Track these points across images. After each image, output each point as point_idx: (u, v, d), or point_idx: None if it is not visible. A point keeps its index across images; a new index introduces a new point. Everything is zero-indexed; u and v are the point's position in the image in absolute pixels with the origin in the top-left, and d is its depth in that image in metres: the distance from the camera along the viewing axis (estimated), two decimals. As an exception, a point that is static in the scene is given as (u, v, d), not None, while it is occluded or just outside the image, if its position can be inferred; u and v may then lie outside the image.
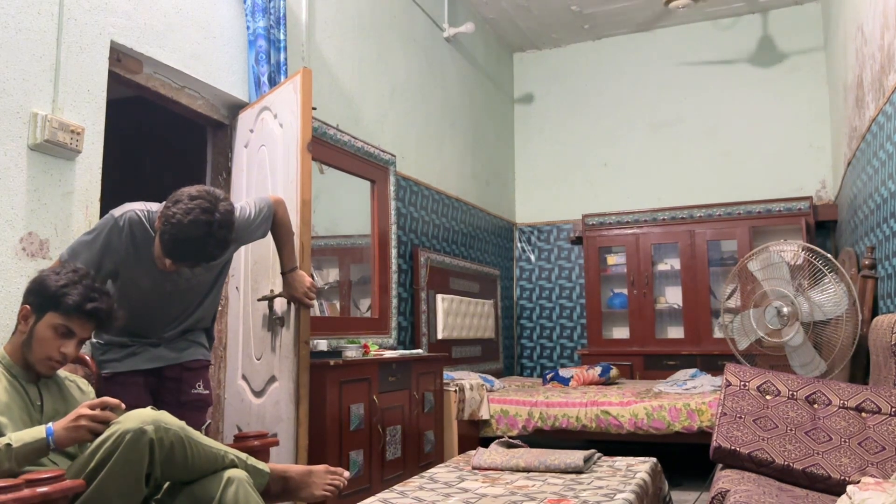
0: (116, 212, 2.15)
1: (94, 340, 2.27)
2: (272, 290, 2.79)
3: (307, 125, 2.78)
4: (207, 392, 2.36)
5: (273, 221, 2.47)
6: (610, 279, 6.14)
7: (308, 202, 2.75)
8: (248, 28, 3.25)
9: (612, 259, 6.11)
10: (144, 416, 1.63)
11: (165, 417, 1.67)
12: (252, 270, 3.00)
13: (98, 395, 2.14)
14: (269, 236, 2.55)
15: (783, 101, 5.85)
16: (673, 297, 5.91)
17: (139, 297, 2.21)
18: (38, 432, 1.59)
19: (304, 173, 2.74)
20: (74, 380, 1.96)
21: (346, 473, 2.05)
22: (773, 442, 2.26)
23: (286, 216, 2.53)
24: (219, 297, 2.46)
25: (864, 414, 2.34)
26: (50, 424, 1.61)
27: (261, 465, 1.87)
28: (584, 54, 6.62)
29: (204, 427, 2.38)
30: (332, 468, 2.03)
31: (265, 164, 3.00)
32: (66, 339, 1.77)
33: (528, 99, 6.83)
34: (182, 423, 1.70)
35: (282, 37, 3.31)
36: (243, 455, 1.84)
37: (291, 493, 1.95)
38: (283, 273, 2.59)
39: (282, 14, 3.32)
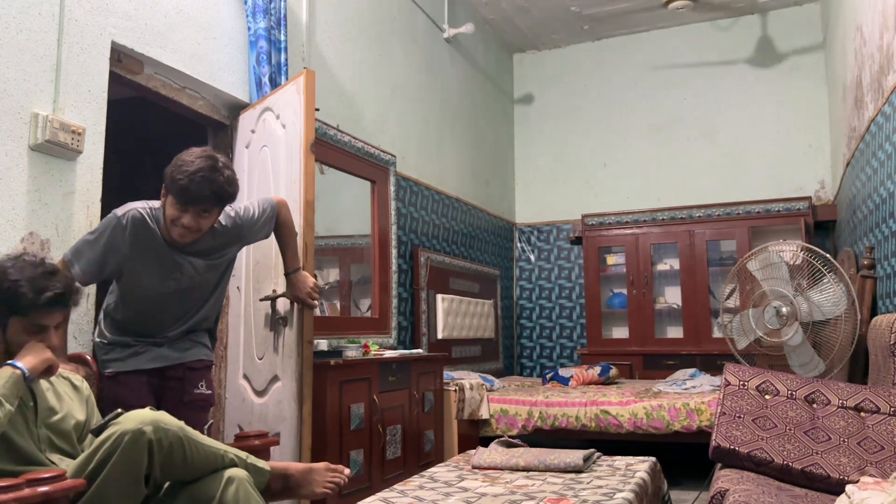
0: (119, 211, 2.16)
1: (97, 340, 2.28)
2: (275, 290, 2.80)
3: (310, 126, 2.78)
4: (210, 392, 2.36)
5: (276, 222, 2.49)
6: (609, 279, 6.15)
7: (311, 203, 2.76)
8: (248, 29, 3.25)
9: (611, 259, 6.11)
10: (143, 417, 1.62)
11: (164, 418, 1.66)
12: (254, 270, 3.01)
13: (101, 395, 2.15)
14: (272, 237, 2.56)
15: (782, 102, 5.85)
16: (672, 296, 5.92)
17: (143, 297, 2.22)
18: (5, 371, 1.60)
19: (307, 174, 2.75)
20: (68, 376, 1.93)
21: (347, 471, 2.05)
22: (773, 441, 2.27)
23: (289, 217, 2.54)
24: (222, 298, 2.46)
25: (863, 413, 2.35)
26: (14, 360, 1.63)
27: (261, 463, 1.88)
28: (584, 55, 6.63)
29: (206, 427, 2.38)
30: (333, 466, 2.03)
31: (267, 165, 3.00)
32: (42, 334, 1.72)
33: (528, 99, 6.84)
34: (181, 424, 1.69)
35: (282, 37, 3.32)
36: (243, 454, 1.84)
37: (292, 491, 1.96)
38: (286, 274, 2.60)
39: (282, 15, 3.33)
